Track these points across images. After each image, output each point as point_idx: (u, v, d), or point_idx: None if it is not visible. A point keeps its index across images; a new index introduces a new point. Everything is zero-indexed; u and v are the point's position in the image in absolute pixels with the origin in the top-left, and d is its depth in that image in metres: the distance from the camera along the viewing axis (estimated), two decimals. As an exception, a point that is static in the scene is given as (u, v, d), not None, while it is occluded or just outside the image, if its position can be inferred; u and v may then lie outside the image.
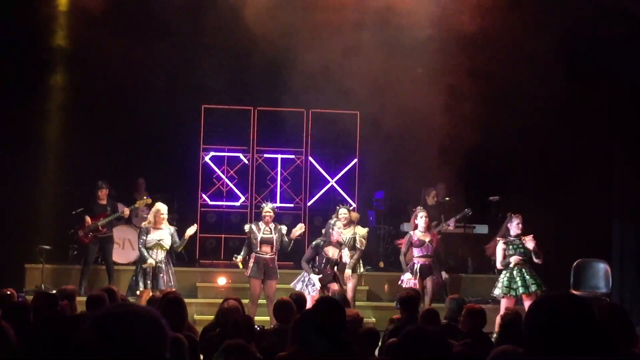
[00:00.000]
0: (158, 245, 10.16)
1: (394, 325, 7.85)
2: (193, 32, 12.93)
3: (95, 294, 7.37)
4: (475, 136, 13.29)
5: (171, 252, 10.51)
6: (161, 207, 10.38)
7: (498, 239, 10.27)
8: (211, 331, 6.54)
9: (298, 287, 10.17)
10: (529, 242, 9.99)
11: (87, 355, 2.06)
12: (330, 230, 10.24)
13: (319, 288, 10.04)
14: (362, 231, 10.88)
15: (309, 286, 10.10)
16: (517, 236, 10.10)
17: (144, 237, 10.20)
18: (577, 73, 11.84)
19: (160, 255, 10.18)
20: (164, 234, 10.22)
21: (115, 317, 2.09)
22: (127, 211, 11.93)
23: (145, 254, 10.10)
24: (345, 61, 12.61)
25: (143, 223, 10.61)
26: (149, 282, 10.07)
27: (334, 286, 10.05)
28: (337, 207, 10.94)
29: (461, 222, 12.50)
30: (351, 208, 11.25)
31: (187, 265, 13.02)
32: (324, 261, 10.17)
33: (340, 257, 10.23)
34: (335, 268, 10.30)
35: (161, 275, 10.09)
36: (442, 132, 13.40)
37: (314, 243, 10.42)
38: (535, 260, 10.05)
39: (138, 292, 10.07)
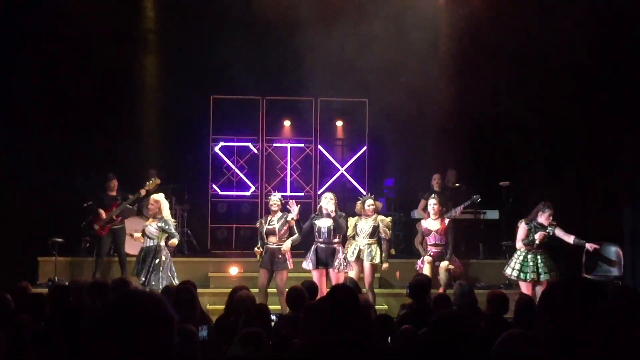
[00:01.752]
0: (144, 232, 10.11)
1: (405, 310, 7.88)
2: (202, 23, 12.95)
3: (99, 281, 7.43)
4: (486, 122, 13.31)
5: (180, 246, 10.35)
6: (152, 199, 10.26)
7: (523, 221, 10.23)
8: (225, 321, 6.58)
9: (304, 265, 10.34)
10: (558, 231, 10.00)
11: (95, 343, 2.08)
12: (320, 205, 10.32)
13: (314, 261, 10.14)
14: (385, 220, 10.87)
15: (309, 261, 10.23)
16: (547, 231, 10.04)
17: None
18: (587, 56, 11.78)
19: (148, 242, 10.05)
20: (151, 225, 10.06)
21: (119, 303, 2.11)
22: (143, 191, 11.79)
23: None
24: (353, 48, 12.61)
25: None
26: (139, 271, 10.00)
27: (339, 275, 10.07)
28: (360, 198, 10.93)
29: (471, 208, 12.48)
30: (372, 197, 11.17)
31: (199, 255, 13.07)
32: (316, 232, 10.23)
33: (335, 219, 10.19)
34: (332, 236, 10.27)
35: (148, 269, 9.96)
36: (452, 117, 13.42)
37: (307, 223, 10.44)
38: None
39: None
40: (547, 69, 12.80)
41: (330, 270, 10.14)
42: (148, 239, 10.06)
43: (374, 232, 10.64)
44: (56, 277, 11.51)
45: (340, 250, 10.24)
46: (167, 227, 10.00)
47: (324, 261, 10.15)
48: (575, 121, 12.62)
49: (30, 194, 12.20)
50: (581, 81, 12.27)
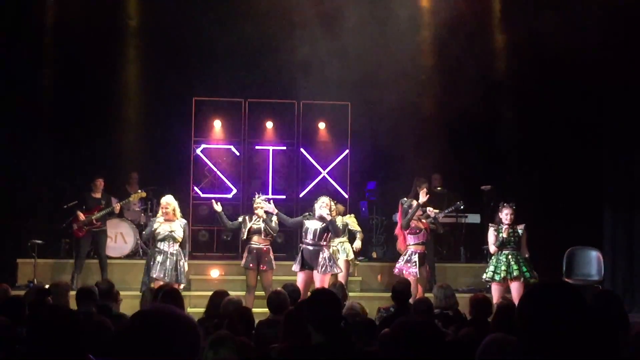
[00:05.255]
0: (170, 237, 9.94)
1: (380, 314, 7.89)
2: (184, 25, 12.90)
3: (86, 287, 7.35)
4: (468, 126, 13.34)
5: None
6: (163, 200, 10.15)
7: (489, 225, 10.26)
8: (204, 324, 6.53)
9: (293, 268, 10.25)
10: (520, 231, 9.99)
11: (125, 349, 2.05)
12: (315, 205, 10.29)
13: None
14: (351, 217, 11.04)
15: (297, 263, 10.17)
16: (509, 225, 10.07)
17: (152, 228, 10.04)
18: (571, 59, 11.84)
19: (172, 247, 9.95)
20: (175, 226, 9.98)
21: (158, 316, 2.09)
22: (118, 207, 11.86)
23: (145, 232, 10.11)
24: (336, 51, 12.60)
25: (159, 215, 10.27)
26: (155, 273, 9.83)
27: (324, 277, 10.07)
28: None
29: (453, 212, 12.49)
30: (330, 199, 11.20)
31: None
32: (304, 232, 10.23)
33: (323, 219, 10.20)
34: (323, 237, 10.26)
35: (169, 267, 9.88)
36: (434, 121, 13.44)
37: (298, 218, 10.60)
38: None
39: (152, 285, 9.71)
40: (530, 74, 12.85)
41: (315, 272, 10.09)
42: (173, 243, 9.97)
43: (344, 230, 10.78)
44: (35, 280, 11.41)
45: (325, 251, 10.23)
46: (187, 228, 10.16)
47: (310, 263, 10.11)
48: (557, 126, 12.67)
49: (9, 195, 12.11)
50: (564, 86, 12.32)
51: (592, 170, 12.67)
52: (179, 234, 10.01)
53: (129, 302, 8.98)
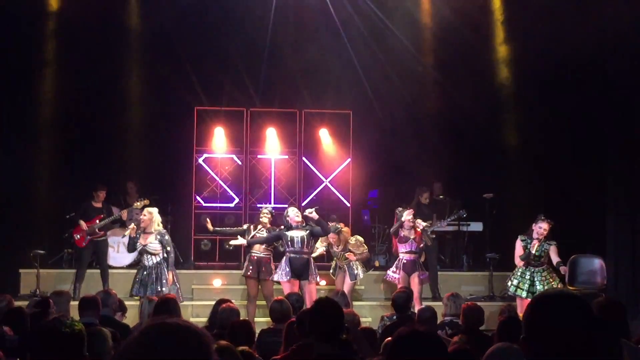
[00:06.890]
0: (144, 251, 9.87)
1: (384, 322, 7.87)
2: (186, 35, 12.92)
3: (89, 296, 7.33)
4: (469, 133, 13.33)
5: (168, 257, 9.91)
6: (146, 209, 10.11)
7: (519, 236, 10.12)
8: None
9: (276, 277, 10.27)
10: (552, 253, 9.90)
11: None
12: (287, 218, 10.31)
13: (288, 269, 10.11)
14: (352, 241, 11.01)
15: (282, 273, 10.16)
16: (539, 241, 9.92)
17: (125, 233, 9.99)
18: (570, 66, 11.84)
19: (150, 260, 9.84)
20: (150, 238, 9.85)
21: (168, 329, 2.05)
22: (125, 213, 11.82)
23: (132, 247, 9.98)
24: (338, 60, 12.62)
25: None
26: (134, 291, 9.78)
27: (311, 286, 10.12)
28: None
29: (455, 220, 12.49)
30: (342, 227, 11.25)
31: (182, 267, 12.98)
32: (289, 242, 10.19)
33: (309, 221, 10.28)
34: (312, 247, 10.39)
35: (149, 282, 9.72)
36: (436, 129, 13.44)
37: (273, 232, 10.48)
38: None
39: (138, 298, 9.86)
40: (531, 81, 12.86)
41: (305, 282, 10.15)
42: (150, 256, 9.87)
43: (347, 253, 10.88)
44: (38, 289, 11.40)
45: (312, 261, 10.32)
46: (166, 238, 9.89)
47: (298, 272, 10.15)
48: (560, 133, 12.66)
49: (12, 206, 12.10)
50: (566, 92, 12.32)
51: (595, 177, 12.64)
52: (153, 247, 9.86)
53: (130, 312, 8.97)
